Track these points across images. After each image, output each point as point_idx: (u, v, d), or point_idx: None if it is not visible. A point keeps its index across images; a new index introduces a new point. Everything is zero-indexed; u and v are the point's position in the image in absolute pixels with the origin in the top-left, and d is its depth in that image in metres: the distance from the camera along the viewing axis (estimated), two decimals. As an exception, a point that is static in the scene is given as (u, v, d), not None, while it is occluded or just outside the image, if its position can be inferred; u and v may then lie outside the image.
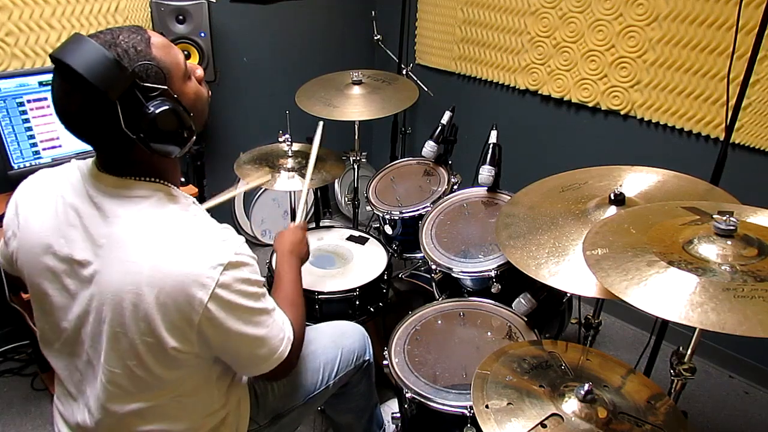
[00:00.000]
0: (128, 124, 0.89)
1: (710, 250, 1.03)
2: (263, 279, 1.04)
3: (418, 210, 1.98)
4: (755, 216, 1.15)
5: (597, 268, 1.06)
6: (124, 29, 0.93)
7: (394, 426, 1.60)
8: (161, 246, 0.93)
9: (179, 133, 0.95)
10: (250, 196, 2.98)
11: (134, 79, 0.88)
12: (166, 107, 0.91)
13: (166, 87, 0.93)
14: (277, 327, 1.08)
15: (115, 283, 0.93)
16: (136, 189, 0.97)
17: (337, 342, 1.48)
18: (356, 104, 2.16)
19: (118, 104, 0.87)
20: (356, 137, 2.34)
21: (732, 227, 1.04)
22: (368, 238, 2.12)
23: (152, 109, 0.90)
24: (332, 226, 2.26)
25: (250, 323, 1.01)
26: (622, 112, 2.31)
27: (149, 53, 0.92)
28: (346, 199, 2.63)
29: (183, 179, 2.23)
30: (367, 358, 1.54)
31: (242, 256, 0.97)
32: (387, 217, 2.02)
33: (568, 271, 1.25)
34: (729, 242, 1.03)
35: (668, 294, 0.96)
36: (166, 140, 0.94)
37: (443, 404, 1.36)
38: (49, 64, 2.02)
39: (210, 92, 1.10)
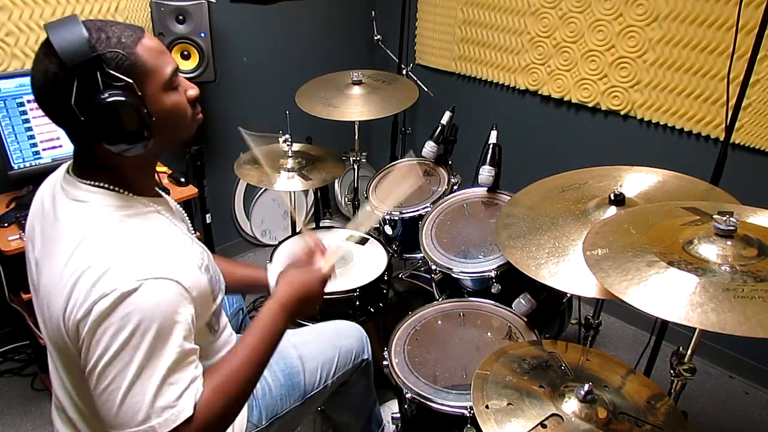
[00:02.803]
0: (78, 102, 0.87)
1: (710, 251, 1.03)
2: (162, 334, 0.85)
3: (418, 210, 1.98)
4: (755, 216, 1.15)
5: (597, 268, 1.06)
6: (122, 23, 0.93)
7: (394, 426, 1.60)
8: (77, 253, 0.89)
9: (128, 131, 0.90)
10: (250, 197, 2.98)
11: (100, 62, 0.87)
12: (121, 99, 0.88)
13: (131, 81, 0.89)
14: (136, 408, 0.84)
15: (46, 286, 0.94)
16: (82, 192, 0.96)
17: (335, 342, 1.48)
18: (356, 104, 2.16)
19: (75, 80, 0.86)
20: (356, 137, 2.34)
21: (732, 227, 1.03)
22: (368, 239, 2.12)
23: (106, 95, 0.87)
24: (332, 226, 2.26)
25: (108, 369, 0.84)
26: (622, 112, 2.31)
27: (130, 48, 0.90)
28: (346, 199, 2.63)
29: (183, 179, 2.23)
30: (366, 357, 1.54)
31: (145, 291, 0.85)
32: (387, 217, 2.02)
33: (568, 272, 1.25)
34: (729, 242, 1.03)
35: (668, 294, 0.96)
36: (113, 133, 0.89)
37: (443, 404, 1.36)
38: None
39: (202, 115, 1.06)
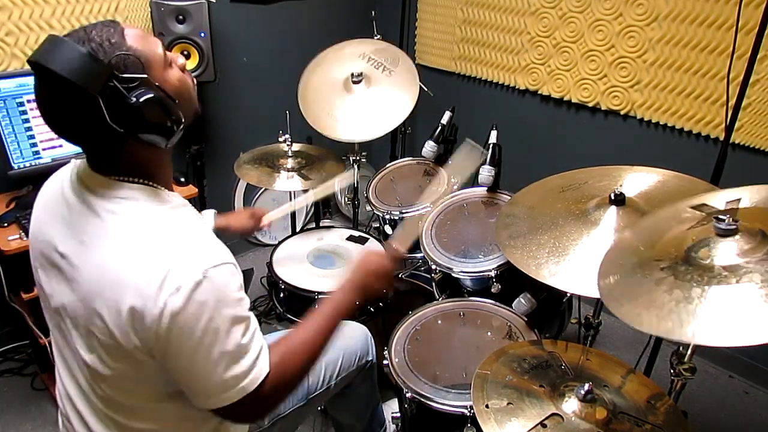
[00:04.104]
0: (113, 118, 0.87)
1: (715, 254, 0.99)
2: (241, 298, 0.95)
3: (418, 210, 1.98)
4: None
5: (610, 299, 1.03)
6: (97, 24, 0.92)
7: (394, 426, 1.60)
8: (133, 251, 0.91)
9: (165, 122, 0.93)
10: (250, 196, 2.98)
11: (112, 71, 0.87)
12: (149, 96, 0.89)
13: (145, 75, 0.91)
14: (232, 371, 0.94)
15: (88, 283, 0.93)
16: (122, 190, 0.96)
17: (338, 343, 1.46)
18: (356, 116, 2.14)
19: (99, 99, 0.86)
20: (356, 137, 2.34)
21: (732, 227, 1.02)
22: (368, 238, 2.12)
23: (135, 99, 0.88)
24: (332, 226, 2.26)
25: (197, 353, 0.91)
26: (622, 112, 2.32)
27: (124, 44, 0.91)
28: (346, 199, 2.63)
29: (183, 179, 2.23)
30: (370, 358, 1.54)
31: (214, 275, 0.90)
32: (387, 217, 2.02)
33: (568, 271, 1.25)
34: (730, 240, 1.00)
35: (677, 313, 0.92)
36: (152, 130, 0.92)
37: (443, 404, 1.36)
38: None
39: (195, 80, 1.08)
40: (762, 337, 0.85)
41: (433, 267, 1.75)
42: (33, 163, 1.95)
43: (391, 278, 1.26)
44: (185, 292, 0.88)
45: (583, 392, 1.09)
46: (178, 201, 1.02)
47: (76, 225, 0.96)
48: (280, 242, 2.09)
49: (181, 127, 0.97)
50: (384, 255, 1.28)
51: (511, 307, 1.60)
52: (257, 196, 2.99)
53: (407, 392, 1.40)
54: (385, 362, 1.49)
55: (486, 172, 1.84)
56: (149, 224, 0.95)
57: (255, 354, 0.97)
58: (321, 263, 1.98)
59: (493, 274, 1.63)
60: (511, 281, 1.63)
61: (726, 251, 0.99)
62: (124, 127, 0.89)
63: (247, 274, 2.75)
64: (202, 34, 2.17)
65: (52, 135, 2.08)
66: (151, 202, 0.97)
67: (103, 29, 0.91)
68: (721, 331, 0.88)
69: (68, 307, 0.98)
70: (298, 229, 2.66)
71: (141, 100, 0.88)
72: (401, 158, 2.35)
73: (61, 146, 1.98)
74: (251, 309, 1.04)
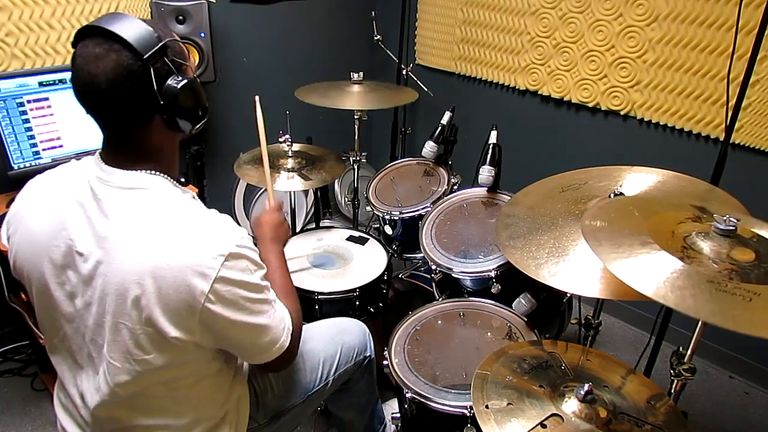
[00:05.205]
0: (158, 88, 0.95)
1: (705, 246, 1.05)
2: (265, 270, 1.05)
3: (418, 210, 1.98)
4: (762, 229, 1.13)
5: (591, 237, 1.07)
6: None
7: (394, 426, 1.60)
8: (163, 237, 0.95)
9: (196, 109, 1.02)
10: (250, 196, 2.98)
11: (166, 50, 0.95)
12: (189, 80, 0.98)
13: (188, 64, 1.01)
14: (278, 317, 1.09)
15: (119, 275, 0.94)
16: (138, 180, 0.99)
17: (336, 339, 1.48)
18: (355, 97, 2.18)
19: (151, 69, 0.93)
20: (356, 137, 2.34)
21: (731, 228, 1.04)
22: (368, 239, 2.12)
23: (180, 78, 0.97)
24: (332, 227, 2.26)
25: (251, 313, 1.02)
26: (622, 113, 2.32)
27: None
28: (346, 199, 2.64)
29: (183, 179, 2.23)
30: (368, 354, 1.54)
31: (243, 248, 0.99)
32: (387, 217, 2.02)
33: (568, 272, 1.25)
34: (726, 241, 1.04)
35: (651, 272, 0.97)
36: (183, 114, 1.00)
37: (443, 404, 1.36)
38: (49, 64, 2.03)
39: None
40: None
41: (433, 267, 1.75)
42: (33, 163, 1.95)
43: (285, 223, 1.48)
44: (231, 263, 0.96)
45: (583, 393, 1.09)
46: (189, 191, 1.07)
47: (93, 222, 0.97)
48: (280, 242, 2.09)
49: (206, 116, 1.05)
50: (268, 212, 1.47)
51: (511, 308, 1.60)
52: (257, 196, 2.99)
53: (407, 392, 1.40)
54: (385, 362, 1.49)
55: (486, 172, 1.84)
56: (177, 209, 1.00)
57: (281, 311, 1.11)
58: (321, 263, 1.98)
59: (493, 274, 1.63)
60: (511, 281, 1.63)
61: (717, 247, 1.04)
62: (165, 100, 0.96)
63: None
64: (202, 34, 2.17)
65: (53, 135, 2.09)
66: (169, 190, 1.03)
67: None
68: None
69: (92, 305, 0.98)
70: (298, 230, 2.66)
71: (184, 81, 0.97)
72: (401, 158, 2.35)
73: (61, 146, 1.98)
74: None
